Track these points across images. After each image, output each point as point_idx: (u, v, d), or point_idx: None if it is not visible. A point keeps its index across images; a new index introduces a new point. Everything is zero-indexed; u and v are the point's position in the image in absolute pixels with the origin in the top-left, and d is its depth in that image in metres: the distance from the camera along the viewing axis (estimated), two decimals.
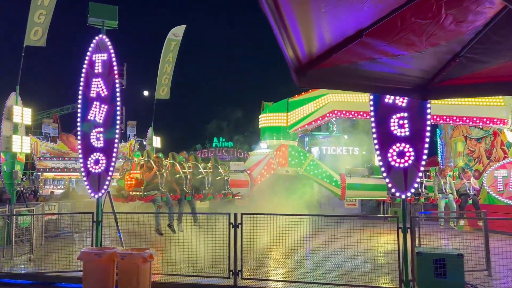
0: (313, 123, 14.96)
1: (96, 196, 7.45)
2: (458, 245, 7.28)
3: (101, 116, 7.50)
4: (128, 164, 11.76)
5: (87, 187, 7.52)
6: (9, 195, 11.06)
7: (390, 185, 6.50)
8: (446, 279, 5.97)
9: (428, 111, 6.41)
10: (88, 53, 7.68)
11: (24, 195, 13.32)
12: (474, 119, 12.90)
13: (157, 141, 18.22)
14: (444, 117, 13.24)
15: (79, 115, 7.64)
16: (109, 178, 7.40)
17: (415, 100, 6.20)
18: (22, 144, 10.70)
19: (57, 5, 11.21)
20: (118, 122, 7.54)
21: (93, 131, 7.49)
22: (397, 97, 6.38)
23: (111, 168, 7.40)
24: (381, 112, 6.57)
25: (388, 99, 6.51)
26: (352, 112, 14.38)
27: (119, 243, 8.00)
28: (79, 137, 7.75)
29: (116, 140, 7.48)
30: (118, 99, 7.50)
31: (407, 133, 6.39)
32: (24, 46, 10.98)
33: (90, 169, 7.45)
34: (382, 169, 6.54)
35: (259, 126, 16.11)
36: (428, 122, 6.38)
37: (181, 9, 73.80)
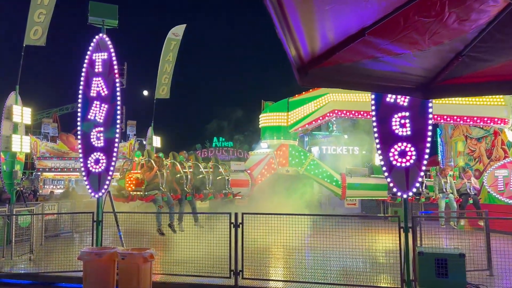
0: (314, 122, 14.95)
1: (97, 195, 7.44)
2: (459, 245, 7.26)
3: (101, 116, 7.49)
4: (128, 163, 11.74)
5: (88, 186, 7.50)
6: (9, 195, 11.03)
7: (391, 184, 6.47)
8: (448, 278, 5.96)
9: (430, 110, 6.38)
10: (88, 52, 7.66)
11: (23, 194, 13.28)
12: (475, 118, 12.89)
13: (157, 141, 18.21)
14: (445, 117, 13.24)
15: (79, 114, 7.63)
16: (109, 177, 7.39)
17: (416, 99, 6.18)
18: (21, 144, 10.68)
19: (57, 4, 11.18)
20: (118, 121, 7.52)
21: (93, 130, 7.48)
22: (399, 96, 6.36)
23: (112, 168, 7.39)
24: (382, 111, 6.55)
25: (390, 98, 6.49)
26: (353, 112, 14.37)
27: (119, 243, 7.99)
28: (79, 137, 7.73)
29: (117, 140, 7.46)
30: (119, 98, 7.49)
31: (409, 133, 6.37)
32: (24, 45, 10.95)
33: (91, 168, 7.43)
34: (384, 168, 6.52)
35: (260, 126, 16.10)
36: (430, 122, 6.35)
37: (181, 9, 73.71)
